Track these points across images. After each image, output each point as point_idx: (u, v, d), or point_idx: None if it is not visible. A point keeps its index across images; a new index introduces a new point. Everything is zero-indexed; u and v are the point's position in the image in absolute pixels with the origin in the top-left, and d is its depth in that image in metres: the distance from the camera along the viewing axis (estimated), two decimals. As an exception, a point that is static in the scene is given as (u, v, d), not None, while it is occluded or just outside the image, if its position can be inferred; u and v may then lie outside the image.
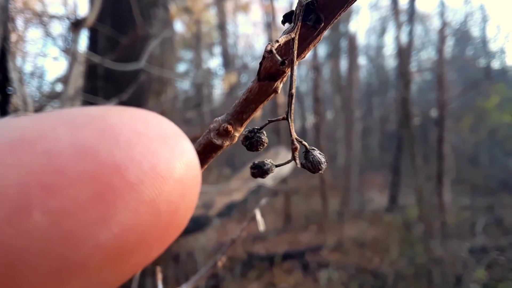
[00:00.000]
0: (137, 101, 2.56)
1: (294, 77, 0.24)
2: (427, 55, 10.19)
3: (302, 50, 0.27)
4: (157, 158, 0.17)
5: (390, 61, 11.67)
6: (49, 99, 2.70)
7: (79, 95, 2.45)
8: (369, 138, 10.96)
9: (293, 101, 0.24)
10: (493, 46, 10.31)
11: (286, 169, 3.63)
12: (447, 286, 3.72)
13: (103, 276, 0.16)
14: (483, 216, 5.20)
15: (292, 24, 0.25)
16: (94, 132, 0.16)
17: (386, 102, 10.98)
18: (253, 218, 0.73)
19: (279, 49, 0.26)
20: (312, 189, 6.92)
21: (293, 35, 0.24)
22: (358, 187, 7.24)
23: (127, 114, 0.18)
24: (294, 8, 0.26)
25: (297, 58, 0.27)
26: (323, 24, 0.25)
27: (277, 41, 0.23)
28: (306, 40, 0.27)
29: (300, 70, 11.16)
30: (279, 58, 0.22)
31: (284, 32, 0.26)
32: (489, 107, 6.71)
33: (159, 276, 0.67)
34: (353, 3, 0.25)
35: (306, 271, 4.31)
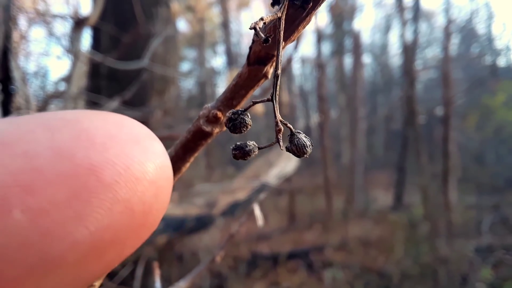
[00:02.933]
0: (140, 100, 2.56)
1: (280, 58, 0.23)
2: (432, 53, 10.13)
3: (291, 32, 0.26)
4: (131, 160, 0.18)
5: (395, 59, 11.65)
6: (52, 98, 2.71)
7: (82, 94, 2.45)
8: (373, 137, 10.92)
9: (279, 82, 0.23)
10: (499, 44, 10.22)
11: (291, 167, 3.62)
12: (453, 286, 3.70)
13: (79, 272, 0.17)
14: (489, 215, 5.16)
15: (280, 4, 0.25)
16: (70, 135, 0.17)
17: (391, 101, 10.94)
18: (252, 213, 0.72)
19: (266, 30, 0.26)
20: (316, 188, 6.90)
21: (279, 15, 0.23)
22: (362, 186, 7.21)
23: (101, 117, 0.19)
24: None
25: (285, 40, 0.26)
26: (311, 4, 0.24)
27: (262, 19, 0.22)
28: (295, 22, 0.26)
29: (304, 68, 11.13)
30: (262, 35, 0.21)
31: (272, 13, 0.25)
32: (495, 105, 6.67)
33: (157, 272, 0.66)
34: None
35: (310, 270, 4.29)
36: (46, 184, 0.15)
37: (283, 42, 0.24)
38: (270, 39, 0.22)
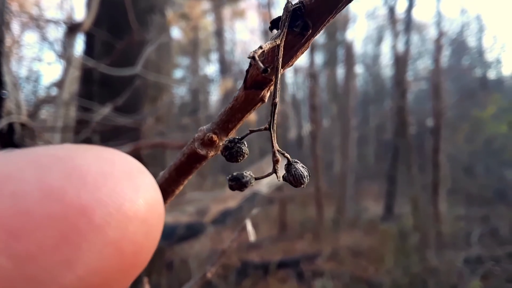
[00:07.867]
0: (132, 107, 2.55)
1: (279, 86, 0.23)
2: (424, 64, 10.26)
3: (289, 58, 0.26)
4: (123, 198, 0.17)
5: (387, 70, 11.75)
6: (43, 103, 2.69)
7: (74, 100, 2.44)
8: (365, 147, 10.97)
9: (277, 110, 0.23)
10: (489, 56, 10.39)
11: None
12: (442, 297, 3.71)
13: None
14: (479, 226, 5.19)
15: (279, 30, 0.24)
16: (61, 174, 0.16)
17: (382, 111, 11.02)
18: (245, 227, 0.72)
19: (265, 56, 0.25)
20: (307, 197, 6.90)
21: (278, 42, 0.23)
22: (353, 196, 7.23)
23: (94, 153, 0.18)
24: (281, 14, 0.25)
25: (283, 66, 0.26)
26: (310, 30, 0.24)
27: (261, 48, 0.22)
28: (294, 48, 0.26)
29: (297, 78, 11.18)
30: (261, 65, 0.21)
31: (270, 38, 0.25)
32: (485, 117, 6.75)
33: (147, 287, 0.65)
34: (342, 9, 0.24)
35: (301, 280, 4.27)
36: (34, 228, 0.15)
37: (281, 69, 0.24)
38: (269, 69, 0.21)
